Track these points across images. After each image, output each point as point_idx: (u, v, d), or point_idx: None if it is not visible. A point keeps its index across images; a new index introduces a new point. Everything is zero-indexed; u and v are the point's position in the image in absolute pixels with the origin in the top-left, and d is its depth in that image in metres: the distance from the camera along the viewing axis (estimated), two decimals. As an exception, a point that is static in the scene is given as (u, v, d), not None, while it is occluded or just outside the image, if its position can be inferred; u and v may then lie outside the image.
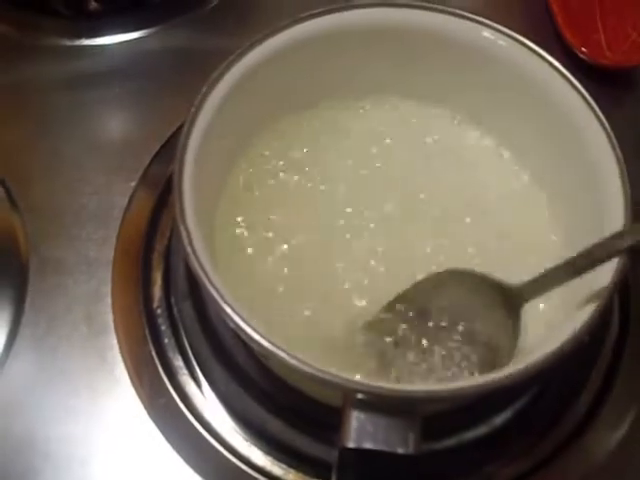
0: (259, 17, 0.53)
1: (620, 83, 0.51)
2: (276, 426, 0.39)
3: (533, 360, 0.30)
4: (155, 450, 0.39)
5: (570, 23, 0.52)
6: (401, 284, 0.37)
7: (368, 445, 0.29)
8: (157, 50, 0.51)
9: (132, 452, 0.39)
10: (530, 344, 0.35)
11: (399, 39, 0.39)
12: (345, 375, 0.30)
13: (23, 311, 0.42)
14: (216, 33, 0.52)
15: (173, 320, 0.41)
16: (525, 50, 0.38)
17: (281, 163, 0.40)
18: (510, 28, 0.38)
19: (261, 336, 0.30)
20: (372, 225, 0.39)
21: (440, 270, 0.37)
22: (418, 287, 0.37)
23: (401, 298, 0.36)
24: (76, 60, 0.51)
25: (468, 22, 0.38)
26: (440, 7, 0.39)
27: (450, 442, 0.38)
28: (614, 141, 0.35)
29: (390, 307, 0.36)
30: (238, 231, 0.38)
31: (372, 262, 0.38)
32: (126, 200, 0.45)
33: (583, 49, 0.50)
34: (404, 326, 0.36)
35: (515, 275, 0.36)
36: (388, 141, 0.42)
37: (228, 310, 0.31)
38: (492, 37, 0.38)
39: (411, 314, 0.36)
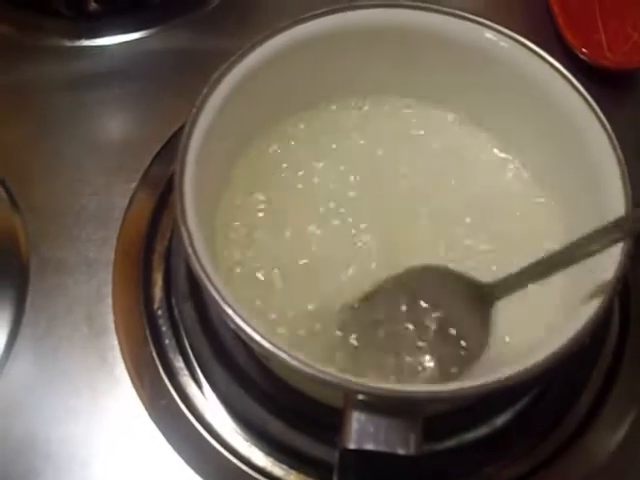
0: (260, 18, 0.53)
1: (621, 84, 0.51)
2: (277, 427, 0.39)
3: (534, 361, 0.30)
4: (156, 451, 0.39)
5: (571, 24, 0.52)
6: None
7: (369, 446, 0.29)
8: (158, 51, 0.51)
9: (133, 453, 0.39)
10: (530, 345, 0.35)
11: (400, 40, 0.39)
12: (346, 376, 0.30)
13: (24, 311, 0.42)
14: (216, 34, 0.52)
15: (174, 321, 0.41)
16: (526, 51, 0.38)
17: (282, 164, 0.40)
18: (511, 29, 0.38)
19: (262, 337, 0.30)
20: (373, 225, 0.39)
21: None
22: (392, 281, 0.37)
23: (375, 291, 0.37)
24: (76, 61, 0.51)
25: (469, 23, 0.38)
26: (441, 8, 0.39)
27: (451, 443, 0.38)
28: (615, 142, 0.35)
29: (364, 299, 0.36)
30: (240, 232, 0.38)
31: (373, 265, 0.38)
32: (126, 201, 0.45)
33: (584, 50, 0.50)
34: (375, 319, 0.36)
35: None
36: (389, 141, 0.42)
37: (229, 311, 0.31)
38: (494, 38, 0.38)
39: (383, 307, 0.36)
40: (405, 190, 0.40)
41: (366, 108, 0.42)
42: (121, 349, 0.41)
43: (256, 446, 0.39)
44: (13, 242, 0.43)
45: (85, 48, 0.51)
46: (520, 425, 0.40)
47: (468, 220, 0.40)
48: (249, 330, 0.30)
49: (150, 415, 0.40)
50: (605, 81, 0.49)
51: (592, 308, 0.32)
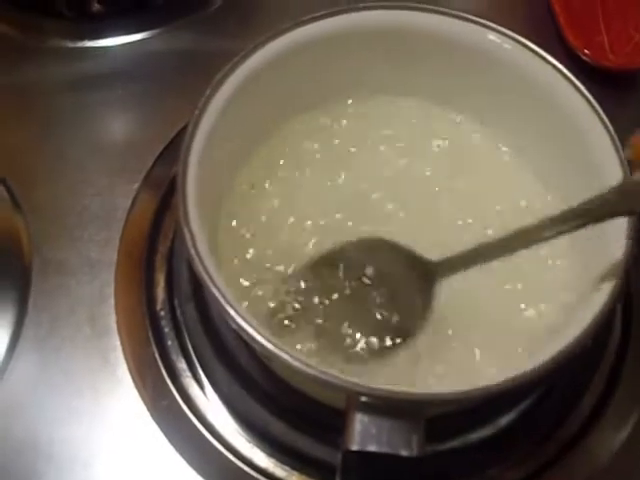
0: (262, 19, 0.53)
1: (623, 85, 0.51)
2: (279, 428, 0.39)
3: (536, 364, 0.30)
4: (158, 452, 0.39)
5: (573, 25, 0.52)
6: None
7: (372, 448, 0.29)
8: (160, 52, 0.51)
9: (135, 454, 0.39)
10: (531, 346, 0.35)
11: (402, 41, 0.39)
12: (349, 378, 0.30)
13: (26, 312, 0.42)
14: (219, 35, 0.52)
15: (176, 322, 0.42)
16: (529, 53, 0.38)
17: (284, 165, 0.40)
18: (513, 30, 0.39)
19: (264, 338, 0.30)
20: (375, 225, 0.39)
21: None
22: (337, 250, 0.37)
23: (319, 260, 0.37)
24: (79, 62, 0.51)
25: (472, 25, 0.38)
26: (444, 9, 0.39)
27: (454, 444, 0.38)
28: (617, 143, 0.35)
29: (312, 268, 0.37)
30: (241, 233, 0.38)
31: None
32: (129, 202, 0.45)
33: (586, 51, 0.50)
34: (316, 286, 0.37)
35: (515, 275, 0.37)
36: (391, 141, 0.42)
37: (231, 312, 0.31)
38: (496, 40, 0.38)
39: (325, 275, 0.37)
40: (407, 189, 0.40)
41: (370, 109, 0.42)
42: (123, 350, 0.41)
43: (258, 447, 0.39)
44: (15, 243, 0.44)
45: (88, 49, 0.51)
46: (523, 426, 0.40)
47: (470, 221, 0.40)
48: (251, 331, 0.30)
49: (152, 416, 0.40)
50: (607, 82, 0.49)
51: (592, 311, 0.32)
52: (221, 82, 0.36)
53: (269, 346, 0.30)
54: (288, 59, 0.38)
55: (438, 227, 0.39)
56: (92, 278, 0.43)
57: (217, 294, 0.31)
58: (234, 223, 0.39)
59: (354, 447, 0.29)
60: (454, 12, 0.38)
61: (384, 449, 0.29)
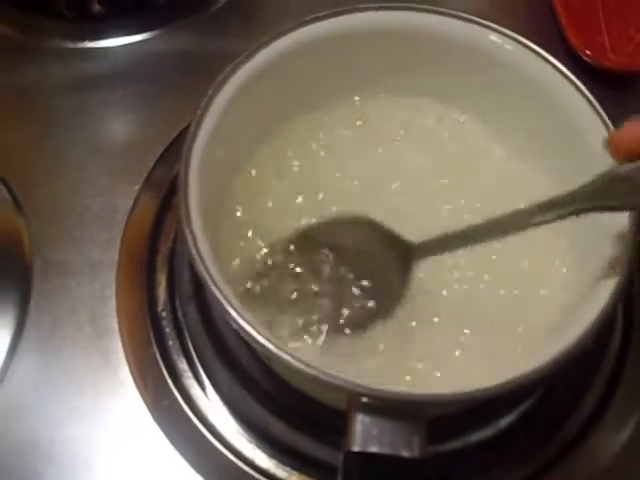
0: (264, 19, 0.53)
1: (624, 85, 0.51)
2: (280, 428, 0.39)
3: (537, 365, 0.30)
4: (159, 452, 0.39)
5: (574, 25, 0.52)
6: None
7: (373, 449, 0.29)
8: (161, 52, 0.51)
9: (136, 454, 0.39)
10: (531, 347, 0.35)
11: (404, 42, 0.39)
12: (350, 379, 0.30)
13: (27, 313, 0.42)
14: (221, 35, 0.52)
15: (177, 322, 0.42)
16: (530, 53, 0.38)
17: (286, 166, 0.41)
18: (514, 30, 0.39)
19: (265, 338, 0.30)
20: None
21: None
22: (317, 227, 0.38)
23: (300, 235, 0.38)
24: (80, 62, 0.51)
25: (474, 25, 0.38)
26: (446, 10, 0.39)
27: (455, 444, 0.39)
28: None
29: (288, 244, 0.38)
30: (243, 233, 0.38)
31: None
32: (129, 202, 0.45)
33: (587, 52, 0.50)
34: (295, 261, 0.37)
35: (515, 275, 0.37)
36: (393, 141, 0.42)
37: (232, 313, 0.31)
38: (498, 40, 0.38)
39: (305, 250, 0.37)
40: (409, 189, 0.40)
41: (372, 109, 0.42)
42: (124, 350, 0.41)
43: (259, 447, 0.39)
44: (16, 244, 0.44)
45: (88, 50, 0.51)
46: (524, 427, 0.40)
47: (466, 217, 0.40)
48: (252, 331, 0.30)
49: (153, 416, 0.40)
50: (608, 82, 0.49)
51: (595, 310, 0.32)
52: (223, 82, 0.36)
53: (270, 347, 0.30)
54: (290, 59, 0.38)
55: (441, 224, 0.39)
56: (93, 279, 0.43)
57: (218, 295, 0.31)
58: (236, 223, 0.39)
59: (356, 448, 0.29)
60: (456, 13, 0.39)
61: (386, 450, 0.29)
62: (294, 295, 0.37)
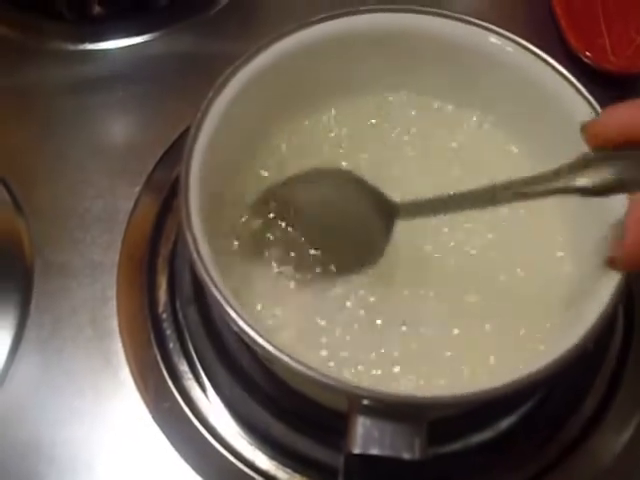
0: (264, 21, 0.53)
1: (624, 88, 0.51)
2: (281, 430, 0.39)
3: (538, 367, 0.30)
4: (159, 454, 0.39)
5: (574, 27, 0.52)
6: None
7: (374, 451, 0.29)
8: (161, 54, 0.51)
9: (136, 455, 0.39)
10: (533, 350, 0.35)
11: (405, 44, 0.39)
12: (350, 381, 0.30)
13: (28, 314, 0.42)
14: (221, 37, 0.52)
15: (178, 324, 0.42)
16: (530, 55, 0.38)
17: (287, 167, 0.40)
18: (514, 32, 0.39)
19: (265, 340, 0.30)
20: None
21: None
22: (302, 176, 0.38)
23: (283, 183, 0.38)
24: (80, 64, 0.51)
25: (474, 27, 0.38)
26: (447, 12, 0.39)
27: (456, 446, 0.39)
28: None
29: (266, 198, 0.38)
30: (244, 235, 0.38)
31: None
32: (130, 204, 0.45)
33: (587, 54, 0.50)
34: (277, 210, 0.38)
35: (515, 275, 0.37)
36: (395, 141, 0.42)
37: (233, 314, 0.31)
38: (499, 43, 0.38)
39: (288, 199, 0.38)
40: (411, 189, 0.40)
41: (372, 110, 0.42)
42: (125, 352, 0.41)
43: (260, 449, 0.39)
44: (17, 245, 0.44)
45: (88, 51, 0.51)
46: (525, 429, 0.40)
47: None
48: (252, 333, 0.30)
49: (154, 418, 0.40)
50: (608, 85, 0.49)
51: (595, 311, 0.32)
52: (224, 84, 0.36)
53: (270, 349, 0.30)
54: (291, 61, 0.38)
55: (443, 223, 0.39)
56: (94, 280, 0.43)
57: (219, 296, 0.31)
58: (237, 225, 0.39)
59: (356, 450, 0.29)
60: (456, 15, 0.39)
61: (387, 452, 0.29)
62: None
